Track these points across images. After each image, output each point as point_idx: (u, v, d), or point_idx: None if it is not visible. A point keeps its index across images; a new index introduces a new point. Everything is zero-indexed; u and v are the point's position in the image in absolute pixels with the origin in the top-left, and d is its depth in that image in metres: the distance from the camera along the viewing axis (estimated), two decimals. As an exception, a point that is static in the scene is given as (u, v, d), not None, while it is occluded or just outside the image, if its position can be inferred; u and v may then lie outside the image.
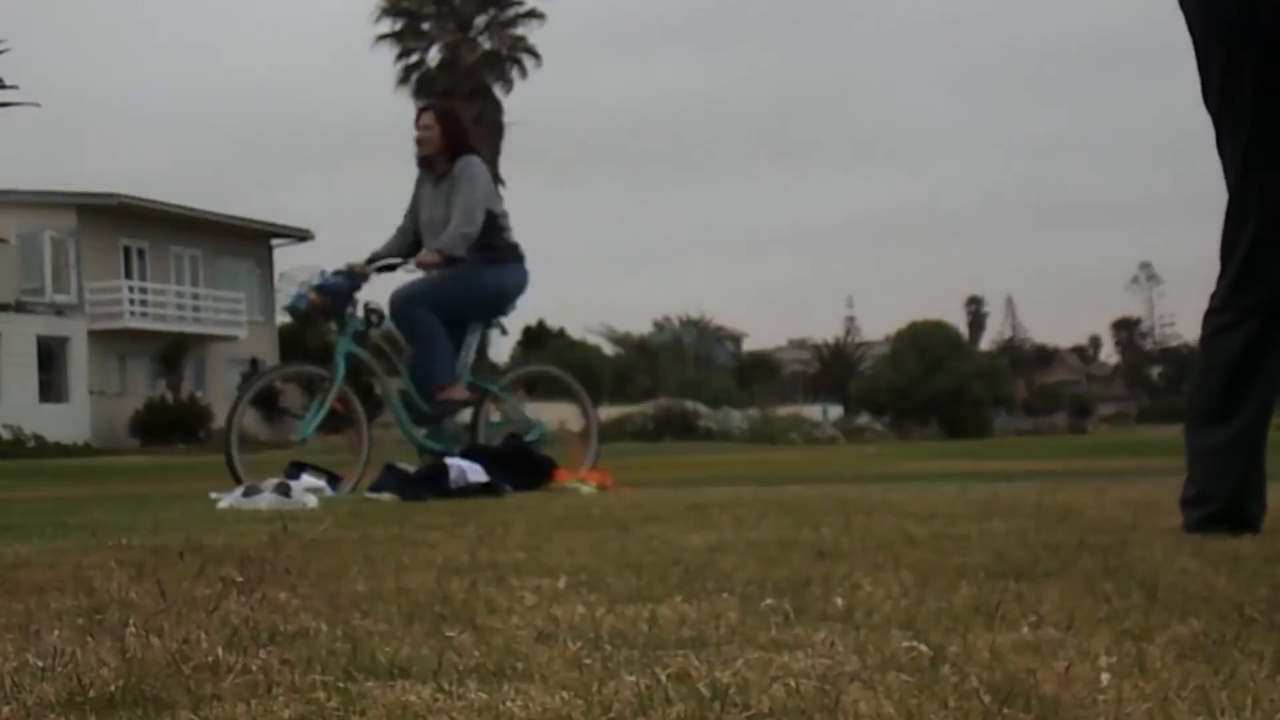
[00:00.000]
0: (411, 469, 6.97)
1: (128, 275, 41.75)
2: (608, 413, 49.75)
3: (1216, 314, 3.43)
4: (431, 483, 6.54)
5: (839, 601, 2.15)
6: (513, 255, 7.61)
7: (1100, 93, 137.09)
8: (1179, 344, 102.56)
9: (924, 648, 1.69)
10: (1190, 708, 1.39)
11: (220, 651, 1.76)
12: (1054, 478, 7.54)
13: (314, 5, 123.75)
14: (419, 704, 1.46)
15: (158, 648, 1.80)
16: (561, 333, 71.61)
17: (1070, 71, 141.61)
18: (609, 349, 73.01)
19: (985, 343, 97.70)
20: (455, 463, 6.74)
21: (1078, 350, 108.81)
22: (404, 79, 47.57)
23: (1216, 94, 3.40)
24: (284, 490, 6.14)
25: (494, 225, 7.45)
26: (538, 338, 70.16)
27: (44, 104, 8.65)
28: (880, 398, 58.97)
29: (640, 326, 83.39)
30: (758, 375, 75.23)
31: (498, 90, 47.75)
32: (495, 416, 8.04)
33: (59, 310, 39.31)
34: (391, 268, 7.57)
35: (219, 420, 40.01)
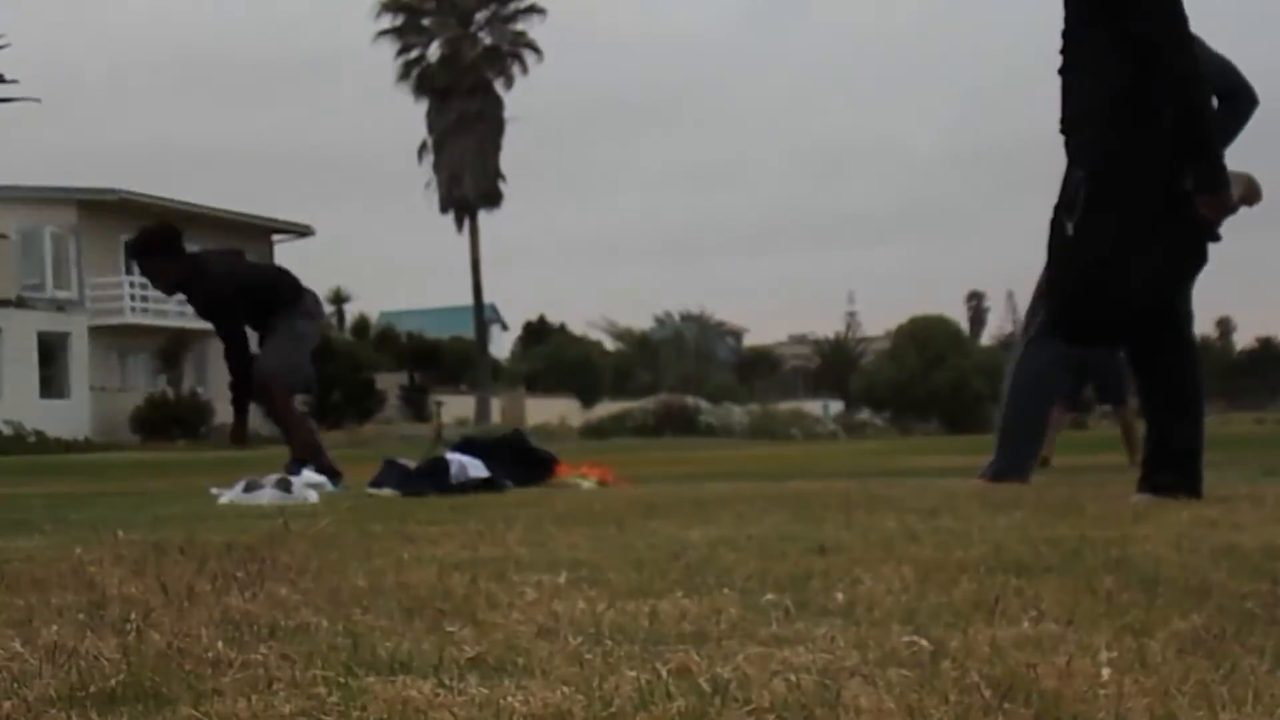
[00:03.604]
0: (412, 464, 6.98)
1: (128, 271, 41.72)
2: (608, 408, 49.69)
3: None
4: (432, 478, 6.55)
5: (840, 596, 2.15)
6: None
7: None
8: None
9: (925, 643, 1.69)
10: (1191, 702, 1.39)
11: (221, 646, 1.76)
12: (1054, 473, 7.54)
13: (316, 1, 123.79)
14: (420, 699, 1.46)
15: (158, 643, 1.80)
16: (562, 328, 71.61)
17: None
18: (610, 344, 73.01)
19: (986, 338, 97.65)
20: (456, 458, 6.74)
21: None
22: (404, 75, 47.54)
23: None
24: (285, 486, 6.15)
25: None
26: (538, 333, 70.18)
27: (45, 100, 8.66)
28: (881, 393, 58.96)
29: (641, 322, 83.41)
30: (758, 370, 75.26)
31: (498, 86, 47.71)
32: None
33: (60, 306, 39.32)
34: None
35: (220, 416, 40.05)
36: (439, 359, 50.79)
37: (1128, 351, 4.77)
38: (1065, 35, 4.45)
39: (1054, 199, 4.71)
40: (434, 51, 47.75)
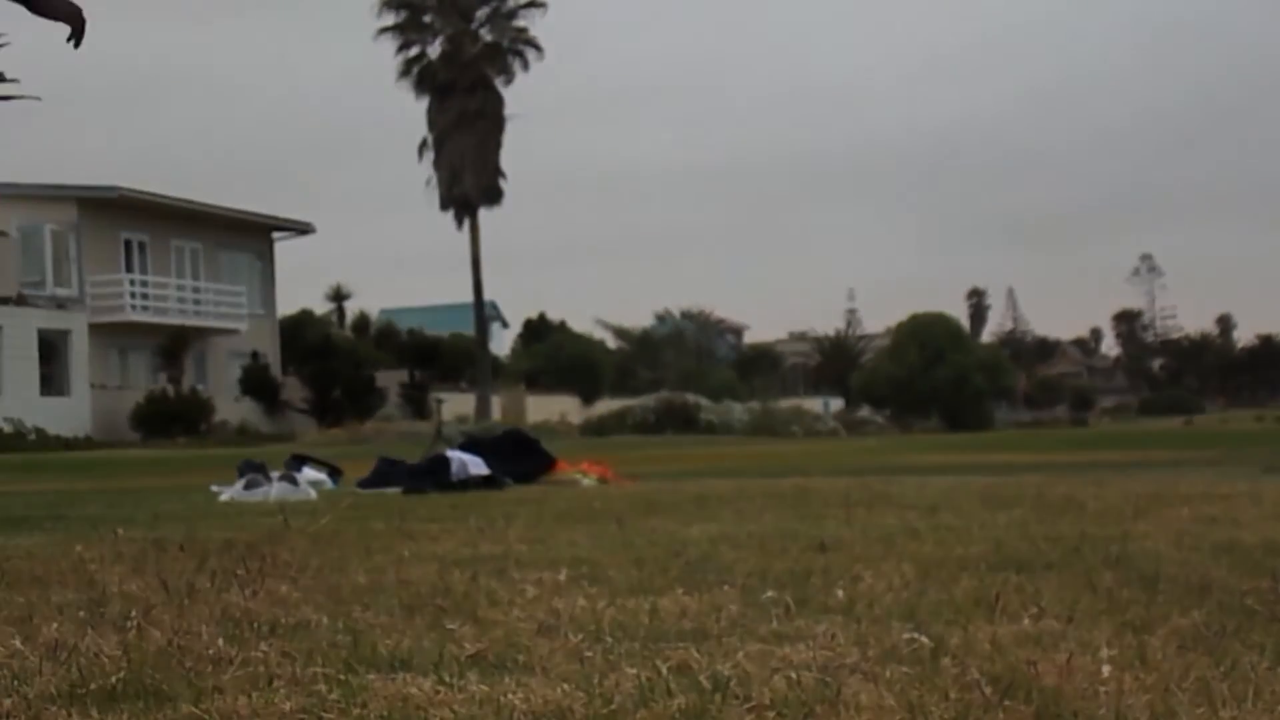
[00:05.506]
0: (412, 462, 6.97)
1: (128, 268, 41.74)
2: (609, 405, 49.68)
3: None
4: (433, 475, 6.56)
5: (840, 593, 2.15)
6: None
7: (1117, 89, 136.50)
8: (1180, 336, 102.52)
9: (925, 639, 1.69)
10: (1191, 699, 1.39)
11: (221, 643, 1.76)
12: (1055, 470, 7.54)
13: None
14: (420, 696, 1.46)
15: (159, 640, 1.80)
16: (563, 325, 71.59)
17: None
18: (610, 341, 72.93)
19: (986, 335, 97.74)
20: (456, 455, 6.75)
21: (1079, 342, 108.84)
22: (405, 72, 47.50)
23: None
24: (287, 483, 6.15)
25: None
26: (538, 330, 70.16)
27: (45, 96, 8.64)
28: (881, 390, 58.94)
29: (642, 319, 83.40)
30: (759, 368, 75.20)
31: (499, 83, 47.66)
32: None
33: (60, 303, 39.30)
34: None
35: (220, 413, 40.06)
36: (439, 356, 50.75)
37: None
38: None
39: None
40: (435, 48, 47.71)
